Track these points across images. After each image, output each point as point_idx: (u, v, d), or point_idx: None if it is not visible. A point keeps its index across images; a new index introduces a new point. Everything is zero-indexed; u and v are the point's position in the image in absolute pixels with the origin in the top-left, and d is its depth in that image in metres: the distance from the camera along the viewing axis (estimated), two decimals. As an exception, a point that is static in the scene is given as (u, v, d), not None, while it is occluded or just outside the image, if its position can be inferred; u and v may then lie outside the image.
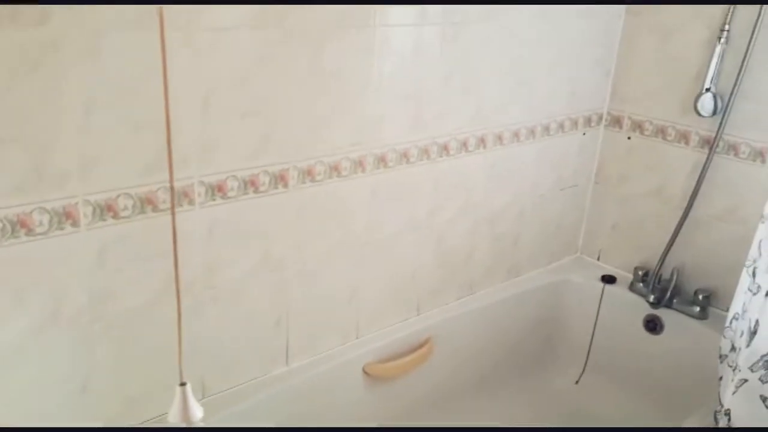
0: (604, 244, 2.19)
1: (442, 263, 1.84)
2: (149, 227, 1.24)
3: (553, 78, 1.89)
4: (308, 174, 1.45)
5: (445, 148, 1.70)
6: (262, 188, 1.38)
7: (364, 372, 1.68)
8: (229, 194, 1.34)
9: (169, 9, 1.14)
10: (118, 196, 1.19)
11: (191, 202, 1.29)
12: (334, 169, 1.49)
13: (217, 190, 1.32)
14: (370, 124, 1.53)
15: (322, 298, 1.59)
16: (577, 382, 2.14)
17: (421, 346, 1.79)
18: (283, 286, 1.50)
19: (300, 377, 1.57)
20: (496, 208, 1.92)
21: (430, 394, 1.85)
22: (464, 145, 1.74)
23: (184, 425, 0.86)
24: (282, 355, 1.57)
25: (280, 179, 1.40)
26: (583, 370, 2.14)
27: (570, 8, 1.83)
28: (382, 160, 1.58)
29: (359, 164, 1.54)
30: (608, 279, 2.10)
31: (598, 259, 2.21)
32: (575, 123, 2.02)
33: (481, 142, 1.78)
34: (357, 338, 1.71)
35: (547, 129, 1.95)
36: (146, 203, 1.22)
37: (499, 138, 1.83)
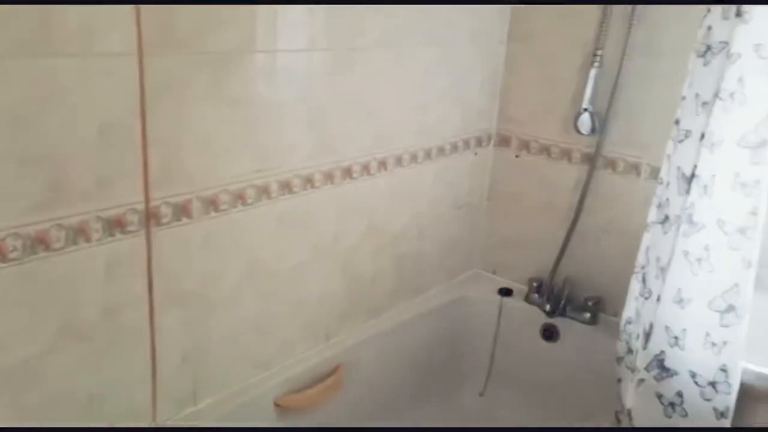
0: (500, 259, 2.27)
1: (348, 288, 1.83)
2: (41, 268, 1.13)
3: (446, 101, 1.96)
4: (212, 204, 1.39)
5: (348, 172, 1.70)
6: (164, 220, 1.31)
7: (276, 405, 1.63)
8: (129, 228, 1.25)
9: (62, 30, 1.06)
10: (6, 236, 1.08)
11: (88, 239, 1.19)
12: (239, 198, 1.44)
13: (115, 224, 1.23)
14: (273, 150, 1.50)
15: (229, 332, 1.53)
16: (481, 394, 2.20)
17: (330, 374, 1.76)
18: (188, 321, 1.42)
19: (210, 416, 1.49)
20: (398, 230, 1.94)
21: (343, 421, 1.82)
22: (366, 168, 1.75)
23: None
24: (189, 394, 1.48)
25: (183, 210, 1.33)
26: (487, 381, 2.20)
27: (460, 36, 1.91)
28: (286, 186, 1.55)
29: (264, 191, 1.50)
30: (505, 291, 2.19)
31: (494, 273, 2.29)
32: (467, 143, 2.10)
33: (383, 165, 1.80)
34: (267, 371, 1.65)
35: (442, 150, 2.00)
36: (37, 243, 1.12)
37: (399, 160, 1.85)
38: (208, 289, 1.44)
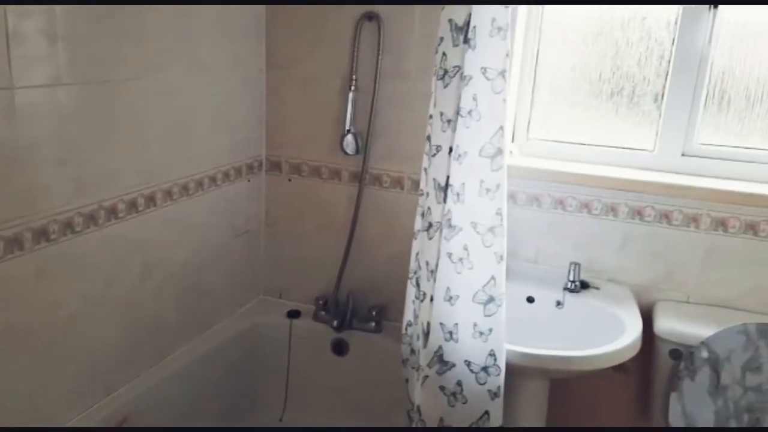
0: (285, 282, 2.30)
1: (128, 334, 1.71)
2: None
3: (214, 130, 1.94)
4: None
5: (113, 211, 1.60)
6: None
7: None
8: None
9: None
10: None
11: None
12: (-14, 253, 1.28)
13: None
14: (25, 195, 1.35)
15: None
16: (281, 419, 2.19)
17: (116, 429, 1.63)
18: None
19: None
20: (177, 265, 1.86)
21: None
22: (133, 205, 1.66)
23: None
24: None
25: None
26: (285, 405, 2.21)
27: (222, 64, 1.91)
28: (43, 234, 1.41)
29: (15, 242, 1.35)
30: (293, 314, 2.21)
31: (281, 297, 2.31)
32: (239, 171, 2.09)
33: (151, 200, 1.72)
34: (46, 437, 1.48)
35: (214, 180, 1.97)
36: None
37: (169, 194, 1.79)
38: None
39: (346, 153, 2.07)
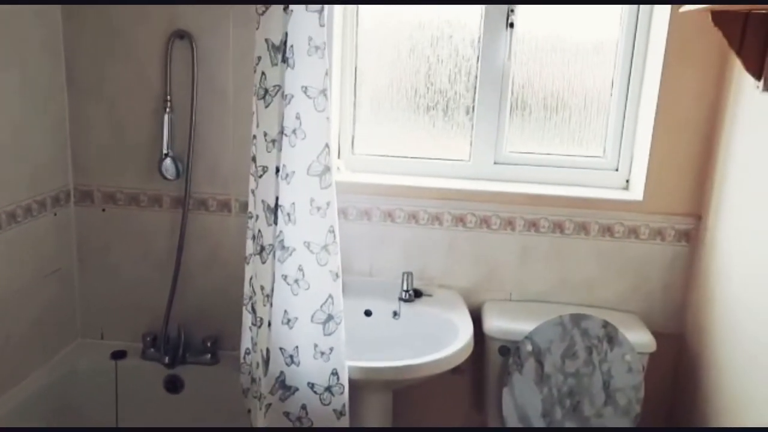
0: (106, 321, 2.11)
1: None
2: None
3: (7, 161, 1.73)
4: None
5: None
6: None
7: None
8: None
9: None
10: None
11: None
12: None
13: None
14: None
15: None
16: (112, 473, 2.01)
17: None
18: None
19: None
20: (-28, 318, 1.63)
21: None
22: None
23: None
24: None
25: None
26: (115, 457, 2.03)
27: (7, 87, 1.70)
28: None
29: None
30: (118, 354, 2.04)
31: (102, 337, 2.12)
32: (43, 205, 1.89)
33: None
34: None
35: (13, 216, 1.76)
36: None
37: (-43, 237, 1.56)
38: None
39: (165, 178, 1.95)
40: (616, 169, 1.98)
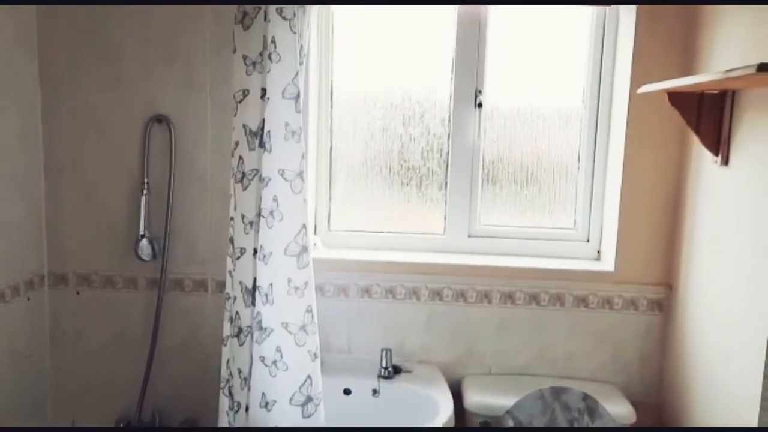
0: (78, 406, 2.04)
1: None
2: None
3: (-19, 247, 1.72)
4: None
5: None
6: None
7: None
8: None
9: None
10: None
11: None
12: None
13: None
14: None
15: None
16: None
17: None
18: None
19: None
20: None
21: None
22: None
23: None
24: None
25: None
26: None
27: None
28: None
29: None
30: (90, 443, 1.98)
31: (74, 423, 2.05)
32: (16, 290, 1.86)
33: None
34: None
35: (-16, 303, 1.73)
36: None
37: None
38: None
39: (141, 259, 1.95)
40: (587, 240, 2.03)
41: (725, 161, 1.55)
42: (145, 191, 1.93)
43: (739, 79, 1.19)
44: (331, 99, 2.05)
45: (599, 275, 1.90)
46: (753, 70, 1.08)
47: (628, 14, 1.85)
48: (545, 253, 2.03)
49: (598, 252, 2.02)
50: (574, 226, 2.04)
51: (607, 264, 1.93)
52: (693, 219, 1.75)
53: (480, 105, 1.98)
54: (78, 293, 2.01)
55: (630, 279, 1.89)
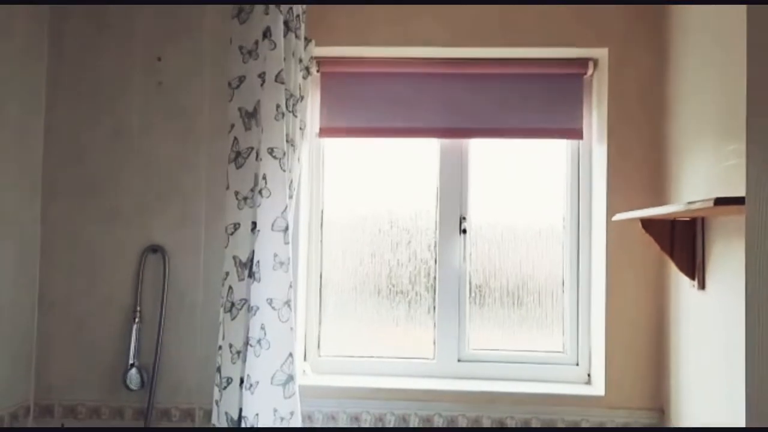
0: None
1: None
2: None
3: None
4: None
5: None
6: None
7: None
8: None
9: None
10: None
11: None
12: None
13: None
14: None
15: None
16: None
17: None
18: None
19: None
20: None
21: None
22: None
23: None
24: None
25: None
26: None
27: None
28: None
29: None
30: None
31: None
32: (1, 421, 1.84)
33: None
34: None
35: (-34, 438, 1.70)
36: None
37: None
38: None
39: (129, 389, 1.93)
40: (577, 364, 2.03)
41: (702, 285, 1.59)
42: (137, 320, 1.96)
43: (702, 209, 1.26)
44: (321, 226, 2.12)
45: (590, 400, 1.88)
46: (711, 204, 1.14)
47: (599, 146, 1.97)
48: (535, 377, 2.02)
49: (589, 375, 2.01)
50: (563, 349, 2.05)
51: (597, 388, 1.92)
52: (677, 343, 1.76)
53: (464, 231, 2.05)
54: (63, 425, 1.98)
55: (621, 404, 1.87)
